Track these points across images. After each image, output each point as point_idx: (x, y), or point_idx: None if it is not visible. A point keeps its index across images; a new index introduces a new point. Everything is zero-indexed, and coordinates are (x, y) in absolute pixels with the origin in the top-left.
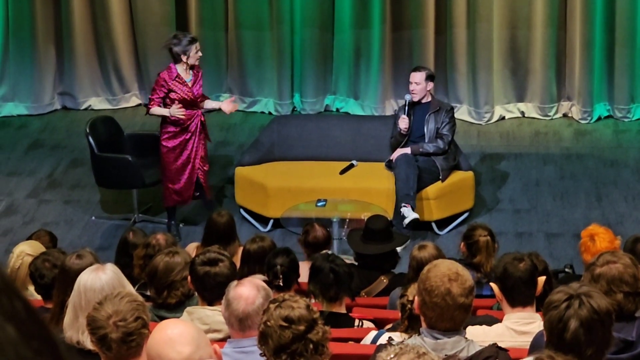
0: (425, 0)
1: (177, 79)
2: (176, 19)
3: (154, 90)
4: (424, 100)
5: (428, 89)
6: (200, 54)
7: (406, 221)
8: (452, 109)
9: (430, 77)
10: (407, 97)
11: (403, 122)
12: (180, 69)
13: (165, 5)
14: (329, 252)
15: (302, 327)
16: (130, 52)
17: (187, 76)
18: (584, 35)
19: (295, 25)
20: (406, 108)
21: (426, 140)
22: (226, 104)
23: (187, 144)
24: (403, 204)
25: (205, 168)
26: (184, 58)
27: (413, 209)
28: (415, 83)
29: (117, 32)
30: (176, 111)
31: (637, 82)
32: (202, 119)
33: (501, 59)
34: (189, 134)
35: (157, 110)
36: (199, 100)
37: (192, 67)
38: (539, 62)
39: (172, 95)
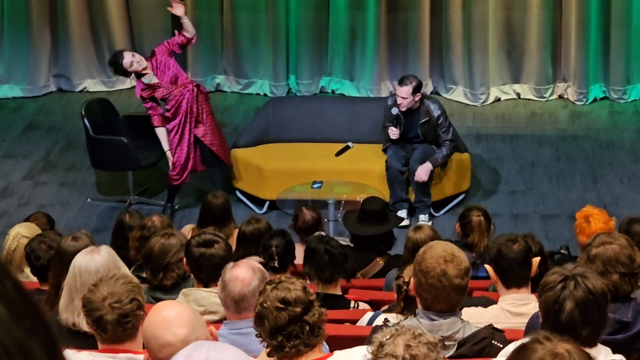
0: None
1: (146, 88)
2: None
3: (146, 108)
4: (414, 107)
5: (415, 100)
6: (135, 59)
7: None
8: (442, 107)
9: (416, 89)
10: (394, 111)
11: (393, 134)
12: (141, 80)
13: None
14: (323, 233)
15: (298, 309)
16: (126, 34)
17: (149, 77)
18: (580, 17)
19: (290, 6)
20: (396, 120)
21: (419, 146)
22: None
23: (184, 123)
24: (399, 210)
25: (218, 144)
26: (130, 73)
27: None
28: (402, 98)
29: (112, 14)
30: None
31: (632, 63)
32: (195, 91)
33: (497, 41)
34: (182, 114)
35: (160, 133)
36: (176, 79)
37: (145, 67)
38: (535, 43)
39: (157, 96)
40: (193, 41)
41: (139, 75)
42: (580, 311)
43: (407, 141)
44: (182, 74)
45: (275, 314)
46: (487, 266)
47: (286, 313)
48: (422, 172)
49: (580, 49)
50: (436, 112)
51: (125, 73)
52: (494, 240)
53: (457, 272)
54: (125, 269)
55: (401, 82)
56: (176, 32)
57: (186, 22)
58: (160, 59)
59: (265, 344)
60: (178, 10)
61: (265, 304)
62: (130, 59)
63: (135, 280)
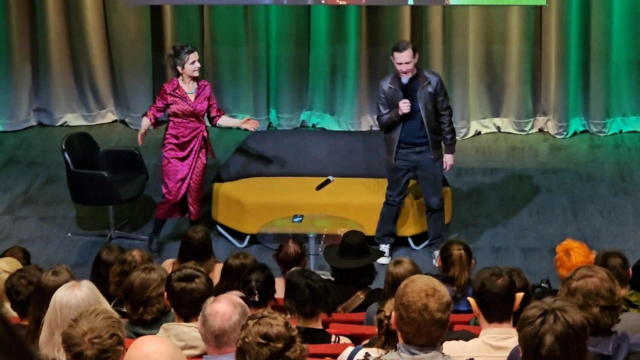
0: (401, 15)
1: (176, 91)
2: (152, 35)
3: (156, 99)
4: (412, 74)
5: (415, 61)
6: (197, 65)
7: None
8: (440, 77)
9: (415, 50)
10: (404, 79)
11: (406, 106)
12: (181, 81)
13: (141, 21)
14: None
15: (280, 345)
16: (106, 68)
17: (190, 89)
18: (560, 51)
19: (270, 40)
20: (406, 90)
21: (423, 116)
22: (248, 123)
23: (187, 159)
24: (385, 243)
25: (196, 191)
26: (179, 69)
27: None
28: (406, 63)
29: (92, 49)
30: (144, 128)
31: (612, 97)
32: (205, 134)
33: (477, 74)
34: (189, 150)
35: (144, 122)
36: (201, 115)
37: (195, 79)
38: (515, 77)
39: (172, 107)
40: (203, 126)
41: (181, 77)
42: (560, 345)
43: (408, 143)
44: (204, 117)
45: (257, 349)
46: (470, 299)
47: (268, 349)
48: (449, 163)
49: (560, 82)
50: (434, 79)
51: (174, 68)
52: (478, 273)
53: (438, 306)
54: (106, 304)
55: (398, 49)
56: (219, 117)
57: (227, 123)
58: (205, 91)
59: None
60: (249, 126)
61: (247, 339)
62: (195, 60)
63: (116, 315)
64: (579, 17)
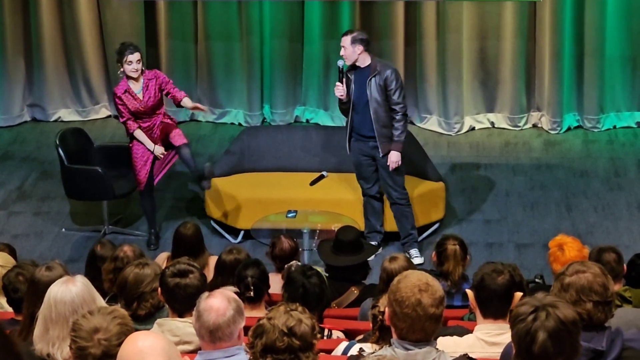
0: (395, 11)
1: (126, 92)
2: (146, 31)
3: (119, 110)
4: (362, 65)
5: (358, 52)
6: (136, 66)
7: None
8: (395, 70)
9: (358, 41)
10: (340, 62)
11: (338, 90)
12: (129, 81)
13: (135, 16)
14: (300, 263)
15: (299, 343)
16: (100, 64)
17: (137, 88)
18: (554, 46)
19: (264, 36)
20: (340, 74)
21: (370, 108)
22: (197, 108)
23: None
24: (372, 240)
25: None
26: (121, 67)
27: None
28: (343, 47)
29: (86, 44)
30: (158, 153)
31: (606, 92)
32: (162, 119)
33: (471, 70)
34: (153, 138)
35: (140, 135)
36: (154, 108)
37: (138, 78)
38: (509, 72)
39: (131, 107)
40: (160, 116)
41: (128, 76)
42: (553, 342)
43: (357, 112)
44: (160, 108)
45: (277, 335)
46: (468, 291)
47: (287, 340)
48: (393, 160)
49: (554, 78)
50: (386, 71)
51: (121, 63)
52: (480, 266)
53: (431, 301)
54: (100, 299)
55: (344, 32)
56: (179, 97)
57: (188, 105)
58: (154, 82)
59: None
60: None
61: (272, 321)
62: (134, 61)
63: (132, 324)
64: (573, 13)
